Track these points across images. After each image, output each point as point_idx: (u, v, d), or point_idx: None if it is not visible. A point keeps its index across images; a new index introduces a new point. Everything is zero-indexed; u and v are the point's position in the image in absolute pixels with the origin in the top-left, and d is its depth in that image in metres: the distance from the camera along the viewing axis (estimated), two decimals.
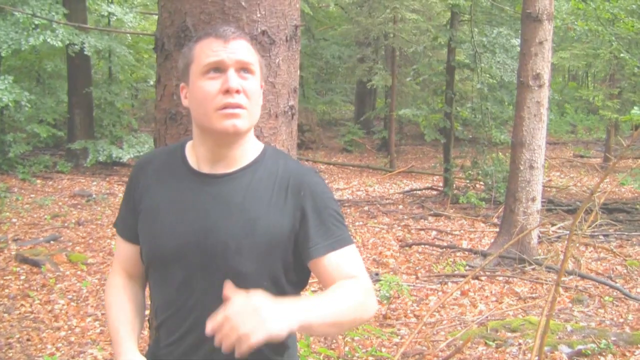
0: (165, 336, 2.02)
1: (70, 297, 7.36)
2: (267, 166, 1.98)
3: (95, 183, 14.75)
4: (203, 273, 1.90)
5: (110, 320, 2.09)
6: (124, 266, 2.15)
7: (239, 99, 1.85)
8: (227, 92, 1.83)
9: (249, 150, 1.99)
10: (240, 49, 1.87)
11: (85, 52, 14.35)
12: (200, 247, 1.89)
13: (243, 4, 2.49)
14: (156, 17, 2.80)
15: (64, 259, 8.57)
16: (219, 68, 1.85)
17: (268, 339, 1.56)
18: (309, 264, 1.92)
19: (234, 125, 1.85)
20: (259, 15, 2.52)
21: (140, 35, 18.00)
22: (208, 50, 1.85)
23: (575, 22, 13.25)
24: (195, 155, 2.00)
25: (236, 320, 1.56)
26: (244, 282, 1.82)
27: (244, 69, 1.87)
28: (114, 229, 2.19)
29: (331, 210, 1.95)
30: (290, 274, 1.97)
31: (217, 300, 1.77)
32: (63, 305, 7.09)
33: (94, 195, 13.20)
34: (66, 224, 10.74)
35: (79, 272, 8.21)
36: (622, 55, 13.54)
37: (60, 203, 12.51)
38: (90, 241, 9.71)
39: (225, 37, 1.85)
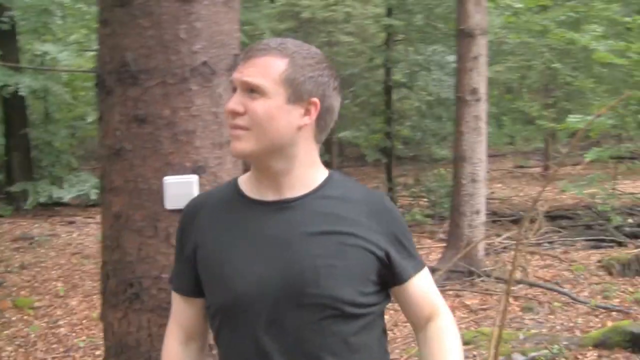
0: None
1: (17, 343, 7.18)
2: (338, 188, 1.82)
3: (37, 225, 14.45)
4: (293, 309, 1.71)
5: None
6: (183, 325, 1.96)
7: (239, 120, 1.70)
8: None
9: (311, 174, 1.81)
10: (253, 68, 1.70)
11: (21, 93, 14.11)
12: (286, 280, 1.70)
13: (182, 36, 2.48)
14: (91, 53, 2.78)
15: (9, 305, 8.37)
16: (234, 88, 1.74)
17: None
18: (394, 289, 1.86)
19: (234, 147, 1.72)
20: (198, 46, 2.51)
21: (77, 73, 17.80)
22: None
23: (508, 36, 13.54)
24: (254, 184, 1.83)
25: None
26: (340, 309, 1.72)
27: (251, 89, 1.69)
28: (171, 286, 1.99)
29: (410, 236, 1.90)
30: (369, 297, 1.80)
31: (313, 337, 1.72)
32: (11, 351, 6.92)
33: (36, 238, 12.91)
34: (9, 269, 10.49)
35: (25, 317, 8.02)
36: (554, 65, 13.85)
37: (2, 247, 12.22)
38: (36, 284, 9.49)
39: (248, 55, 1.73)
